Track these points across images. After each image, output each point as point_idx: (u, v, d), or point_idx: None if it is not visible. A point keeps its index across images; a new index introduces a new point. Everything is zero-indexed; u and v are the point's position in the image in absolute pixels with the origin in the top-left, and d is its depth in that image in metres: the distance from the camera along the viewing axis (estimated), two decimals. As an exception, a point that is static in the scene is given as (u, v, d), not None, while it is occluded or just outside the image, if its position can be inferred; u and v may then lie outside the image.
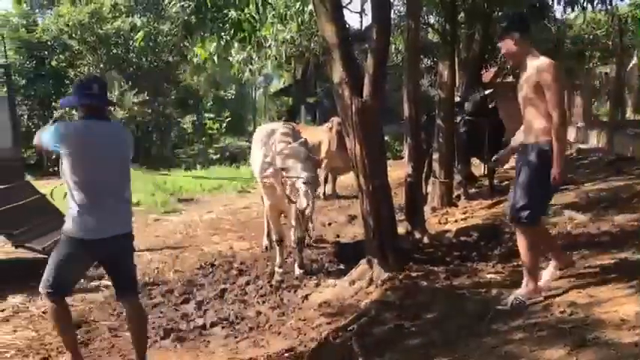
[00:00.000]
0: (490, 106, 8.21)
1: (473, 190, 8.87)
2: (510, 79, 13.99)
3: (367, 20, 13.70)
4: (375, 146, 5.03)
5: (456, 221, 6.94)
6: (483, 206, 7.58)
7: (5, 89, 9.37)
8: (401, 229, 5.78)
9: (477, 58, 9.51)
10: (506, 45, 3.73)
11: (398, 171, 10.04)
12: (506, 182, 9.45)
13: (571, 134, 15.27)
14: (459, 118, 8.04)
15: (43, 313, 5.21)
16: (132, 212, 3.90)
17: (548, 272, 4.03)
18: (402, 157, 13.19)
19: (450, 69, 7.70)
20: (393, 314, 4.14)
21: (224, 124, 24.43)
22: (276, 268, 5.93)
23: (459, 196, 8.25)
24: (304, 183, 5.25)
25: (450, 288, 4.49)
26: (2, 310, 5.28)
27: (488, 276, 4.70)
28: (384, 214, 5.06)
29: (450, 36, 7.74)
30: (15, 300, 5.58)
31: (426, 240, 5.91)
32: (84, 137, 3.50)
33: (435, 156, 7.76)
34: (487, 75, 14.68)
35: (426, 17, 9.17)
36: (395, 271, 4.87)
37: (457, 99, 8.42)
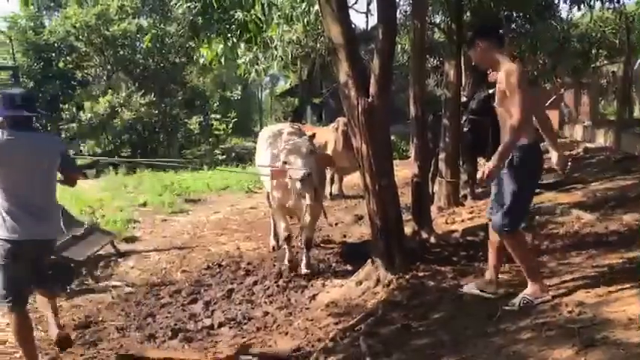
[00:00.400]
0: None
1: (479, 189, 8.85)
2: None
3: (373, 20, 13.71)
4: (382, 146, 5.03)
5: (462, 221, 6.93)
6: (490, 206, 7.56)
7: (13, 91, 9.43)
8: (408, 229, 5.77)
9: (483, 57, 9.47)
10: (474, 53, 3.87)
11: (404, 171, 10.03)
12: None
13: (578, 133, 15.23)
14: (464, 118, 8.02)
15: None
16: (59, 219, 4.33)
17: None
18: (409, 157, 13.18)
19: (456, 68, 7.68)
20: (400, 314, 4.15)
21: (230, 125, 24.46)
22: (285, 262, 5.98)
23: (465, 196, 8.23)
24: (299, 180, 5.29)
25: (457, 288, 4.48)
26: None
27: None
28: (390, 214, 5.06)
29: (456, 35, 7.72)
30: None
31: (432, 240, 5.90)
32: (8, 148, 3.70)
33: (442, 155, 7.74)
34: (493, 74, 14.66)
35: (431, 17, 9.14)
36: (402, 271, 4.87)
37: (463, 98, 8.40)
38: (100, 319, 5.08)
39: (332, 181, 10.26)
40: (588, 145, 12.77)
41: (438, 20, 9.45)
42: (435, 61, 12.11)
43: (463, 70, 8.41)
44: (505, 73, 3.57)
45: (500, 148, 3.57)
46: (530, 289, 3.78)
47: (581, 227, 5.67)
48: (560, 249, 5.12)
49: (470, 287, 4.25)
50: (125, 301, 5.54)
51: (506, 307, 3.76)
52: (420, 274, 4.84)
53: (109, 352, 4.36)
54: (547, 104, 15.48)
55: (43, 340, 4.62)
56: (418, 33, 5.91)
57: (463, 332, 3.60)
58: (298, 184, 5.35)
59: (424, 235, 5.92)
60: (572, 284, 3.93)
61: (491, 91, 8.10)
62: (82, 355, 4.32)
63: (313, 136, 5.82)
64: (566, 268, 4.42)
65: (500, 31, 3.98)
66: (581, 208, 6.33)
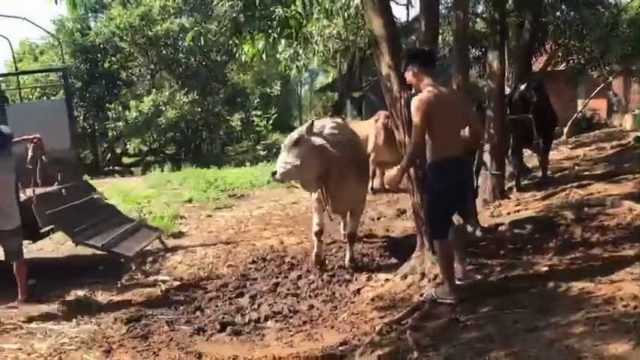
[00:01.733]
0: (534, 99, 7.96)
1: (525, 181, 8.68)
2: (562, 67, 13.61)
3: (413, 12, 13.55)
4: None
5: (508, 214, 6.81)
6: (537, 198, 7.41)
7: (63, 92, 9.75)
8: (452, 223, 5.71)
9: (526, 46, 9.26)
10: (408, 76, 4.31)
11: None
12: (560, 174, 9.22)
13: (628, 122, 14.75)
14: (509, 110, 7.87)
15: (104, 307, 5.42)
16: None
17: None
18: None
19: (500, 59, 7.53)
20: (447, 308, 4.12)
21: (271, 121, 24.64)
22: (312, 256, 6.00)
23: (511, 188, 8.09)
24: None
25: (504, 281, 4.42)
26: (66, 305, 5.49)
27: (545, 269, 4.60)
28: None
29: (499, 25, 7.57)
30: (76, 295, 5.80)
31: (478, 233, 5.83)
32: None
33: (486, 148, 7.61)
34: (537, 63, 14.31)
35: (474, 7, 8.99)
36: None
37: (507, 89, 8.25)
38: (150, 312, 5.19)
39: (374, 175, 10.22)
40: (639, 134, 12.36)
41: (480, 10, 9.29)
42: (477, 52, 11.91)
43: (507, 60, 8.25)
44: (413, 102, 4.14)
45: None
46: (440, 288, 4.34)
47: (634, 219, 5.50)
48: (612, 241, 4.99)
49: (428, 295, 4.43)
50: (174, 295, 5.66)
51: (421, 298, 4.37)
52: (467, 267, 4.78)
53: (160, 345, 4.45)
54: (593, 93, 15.06)
55: (96, 332, 4.79)
56: (460, 23, 5.82)
57: (512, 326, 3.54)
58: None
59: (469, 229, 5.84)
60: (626, 277, 3.83)
61: (522, 87, 7.98)
62: (134, 347, 4.41)
63: (311, 125, 5.45)
64: (620, 261, 4.30)
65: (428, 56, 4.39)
66: (632, 199, 6.13)
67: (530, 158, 10.04)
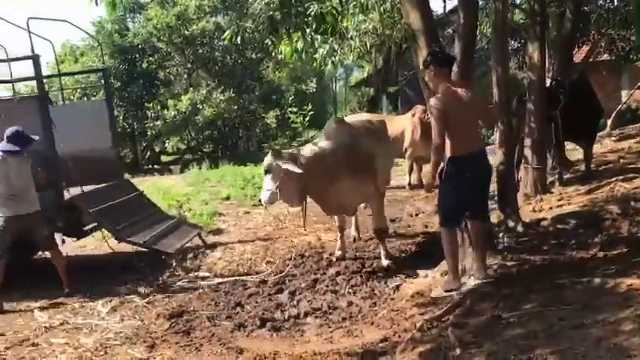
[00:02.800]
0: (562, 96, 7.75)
1: (568, 175, 8.48)
2: (605, 56, 13.22)
3: (450, 4, 13.36)
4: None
5: (551, 208, 6.65)
6: (580, 192, 7.22)
7: (103, 92, 9.96)
8: (493, 218, 5.63)
9: (568, 37, 9.02)
10: (428, 74, 4.58)
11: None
12: (604, 167, 8.97)
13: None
14: (552, 102, 7.68)
15: (147, 303, 5.53)
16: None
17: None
18: (490, 144, 12.80)
19: (540, 50, 7.35)
20: (489, 305, 4.06)
21: (306, 118, 24.69)
22: (336, 252, 6.20)
23: (553, 183, 7.90)
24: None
25: (548, 278, 4.33)
26: (110, 301, 5.62)
27: (590, 265, 4.49)
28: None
29: (539, 15, 7.39)
30: (120, 291, 5.94)
31: (520, 228, 5.71)
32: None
33: (527, 141, 7.46)
34: (579, 54, 13.94)
35: (512, -3, 8.80)
36: (489, 261, 4.74)
37: (547, 80, 8.06)
38: (192, 308, 5.27)
39: (411, 170, 10.15)
40: None
41: (519, 1, 9.10)
42: (516, 44, 11.68)
43: (547, 52, 8.06)
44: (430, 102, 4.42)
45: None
46: (445, 278, 4.56)
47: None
48: (661, 236, 4.83)
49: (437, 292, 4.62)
50: (214, 291, 5.73)
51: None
52: (508, 263, 4.72)
53: (202, 340, 4.52)
54: (639, 84, 14.59)
55: (140, 328, 4.88)
56: (499, 14, 5.70)
57: (557, 323, 3.46)
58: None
59: (511, 224, 5.74)
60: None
61: (554, 83, 7.77)
62: (177, 343, 4.49)
63: (277, 152, 5.82)
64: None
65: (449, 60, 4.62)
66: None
67: (573, 151, 9.80)
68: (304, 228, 6.34)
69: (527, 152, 7.41)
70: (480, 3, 8.73)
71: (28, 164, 5.95)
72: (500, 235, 5.52)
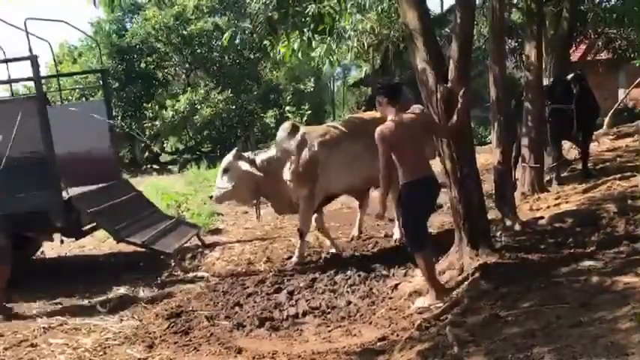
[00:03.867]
0: (574, 90, 7.76)
1: (565, 174, 8.50)
2: (604, 55, 13.25)
3: (447, 3, 13.35)
4: (462, 132, 4.92)
5: (548, 207, 6.68)
6: (577, 191, 7.25)
7: (101, 93, 9.95)
8: (491, 217, 5.64)
9: (565, 36, 9.06)
10: (377, 105, 4.72)
11: (484, 156, 9.77)
12: (602, 165, 9.00)
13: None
14: (549, 102, 7.70)
15: (146, 303, 5.54)
16: None
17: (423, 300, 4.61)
18: (487, 143, 12.82)
19: (537, 49, 7.39)
20: (487, 303, 4.07)
21: (304, 118, 24.69)
22: (293, 259, 6.35)
23: (550, 181, 7.93)
24: None
25: (546, 276, 4.34)
26: (109, 301, 5.63)
27: (587, 263, 4.50)
28: (473, 202, 4.95)
29: (536, 15, 7.42)
30: (119, 291, 5.95)
31: (517, 227, 5.73)
32: None
33: (524, 140, 7.48)
34: (576, 53, 13.96)
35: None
36: (486, 259, 4.76)
37: (544, 80, 8.08)
38: (191, 308, 5.28)
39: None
40: None
41: (516, 0, 9.11)
42: (513, 43, 11.71)
43: (544, 51, 8.08)
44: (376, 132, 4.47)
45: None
46: (428, 297, 4.53)
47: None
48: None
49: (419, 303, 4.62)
50: (213, 291, 5.73)
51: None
52: (506, 262, 4.72)
53: (201, 340, 4.52)
54: (635, 83, 14.62)
55: (139, 328, 4.89)
56: (497, 14, 5.72)
57: (555, 322, 3.47)
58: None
59: (508, 223, 5.76)
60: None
61: (569, 77, 7.78)
62: (175, 343, 4.50)
63: (237, 152, 6.32)
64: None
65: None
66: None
67: (570, 150, 9.82)
68: (257, 219, 6.86)
69: (525, 151, 7.43)
70: (477, 2, 8.74)
71: None
72: (498, 233, 5.52)
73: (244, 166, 6.07)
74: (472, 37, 5.21)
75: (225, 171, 6.20)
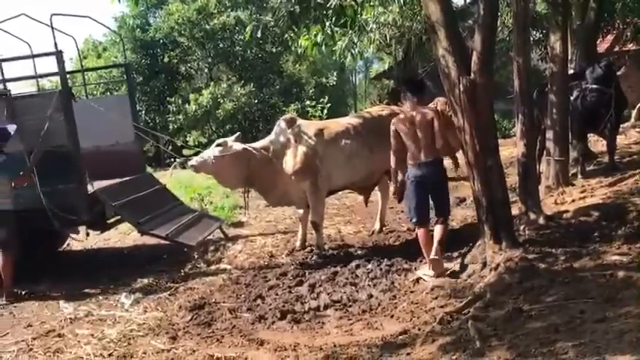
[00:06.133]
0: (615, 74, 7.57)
1: (591, 167, 8.36)
2: (631, 46, 12.98)
3: (470, -5, 13.23)
4: (486, 124, 4.88)
5: (573, 201, 6.57)
6: (604, 184, 7.11)
7: (125, 88, 10.06)
8: (515, 211, 5.57)
9: (591, 26, 8.87)
10: (402, 97, 5.53)
11: (508, 149, 9.67)
12: (629, 159, 8.82)
13: None
14: (579, 89, 7.53)
15: (169, 295, 5.61)
16: None
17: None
18: (511, 135, 12.66)
19: (562, 40, 7.24)
20: (510, 298, 4.03)
21: (325, 111, 24.69)
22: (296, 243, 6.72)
23: (575, 175, 7.80)
24: None
25: (570, 271, 4.28)
26: (133, 293, 5.71)
27: (613, 258, 4.42)
28: (497, 195, 4.91)
29: (562, 5, 7.28)
30: (143, 283, 6.03)
31: (541, 221, 5.64)
32: None
33: (549, 133, 7.35)
34: (603, 44, 13.68)
35: (534, -13, 8.69)
36: (510, 253, 4.71)
37: (570, 71, 7.92)
38: (213, 300, 5.33)
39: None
40: None
41: (540, -10, 8.98)
42: (538, 34, 11.52)
43: (570, 42, 7.93)
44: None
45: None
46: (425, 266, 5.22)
47: None
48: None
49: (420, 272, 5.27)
50: (235, 283, 5.78)
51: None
52: (530, 256, 4.66)
53: (223, 332, 4.57)
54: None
55: (162, 319, 4.95)
56: (521, 5, 5.63)
57: (579, 316, 3.43)
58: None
59: (532, 217, 5.68)
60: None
61: (602, 64, 7.60)
62: (198, 334, 4.55)
63: (238, 136, 6.63)
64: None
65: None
66: None
67: (596, 143, 9.66)
68: (246, 210, 7.10)
69: (549, 144, 7.31)
70: (502, -7, 8.64)
71: None
72: (522, 227, 5.46)
73: (239, 146, 6.21)
74: (495, 29, 5.16)
75: (219, 144, 6.28)
